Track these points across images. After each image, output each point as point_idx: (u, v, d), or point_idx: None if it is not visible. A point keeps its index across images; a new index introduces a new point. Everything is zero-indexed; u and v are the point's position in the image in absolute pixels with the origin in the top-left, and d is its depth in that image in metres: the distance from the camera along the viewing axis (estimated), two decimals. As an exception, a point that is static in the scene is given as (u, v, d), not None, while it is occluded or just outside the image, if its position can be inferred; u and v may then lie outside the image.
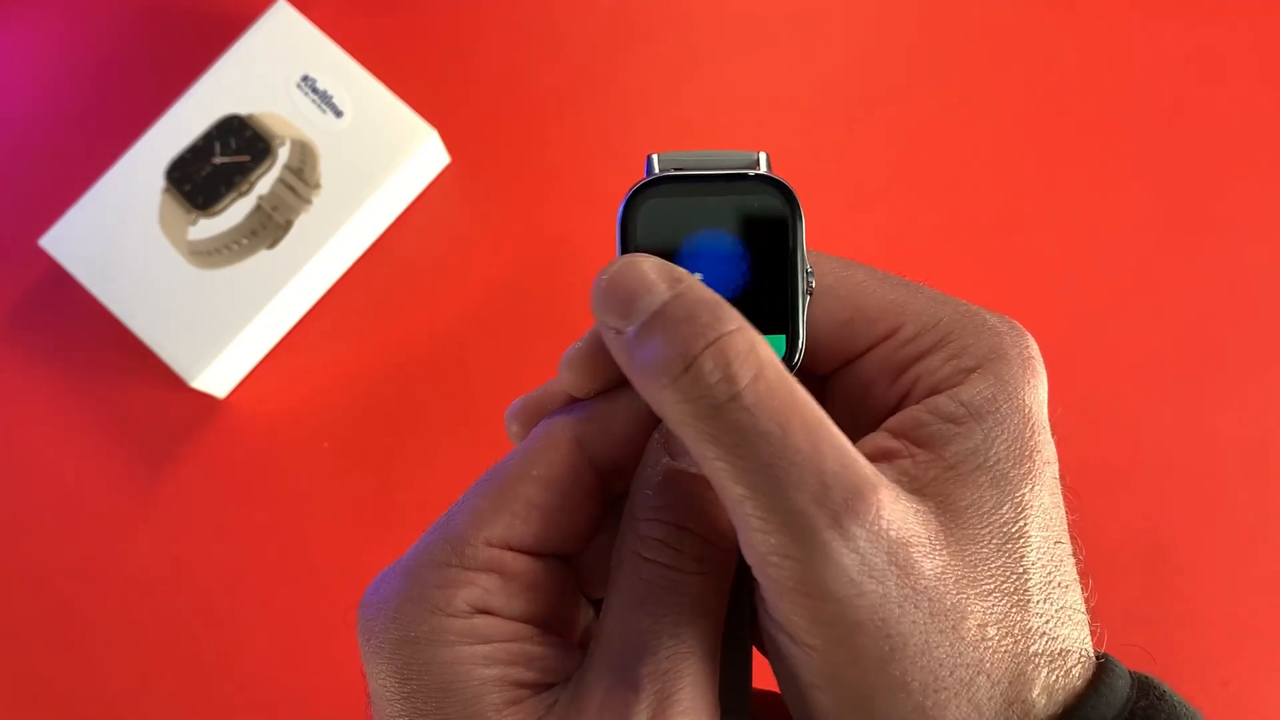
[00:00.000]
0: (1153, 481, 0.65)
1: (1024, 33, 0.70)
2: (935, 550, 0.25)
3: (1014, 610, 0.25)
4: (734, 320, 0.25)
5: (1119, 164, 0.68)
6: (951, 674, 0.24)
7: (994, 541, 0.25)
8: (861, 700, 0.24)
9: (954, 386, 0.27)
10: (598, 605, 0.28)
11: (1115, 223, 0.68)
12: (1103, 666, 0.26)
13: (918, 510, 0.25)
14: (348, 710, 0.61)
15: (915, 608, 0.24)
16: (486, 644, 0.26)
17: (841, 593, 0.23)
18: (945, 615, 0.24)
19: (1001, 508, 0.26)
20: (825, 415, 0.25)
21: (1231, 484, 0.64)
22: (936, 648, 0.24)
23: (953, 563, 0.25)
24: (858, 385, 0.29)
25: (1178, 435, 0.65)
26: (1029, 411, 0.27)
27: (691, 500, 0.27)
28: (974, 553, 0.25)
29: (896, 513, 0.24)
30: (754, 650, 0.29)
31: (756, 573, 0.25)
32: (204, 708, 0.64)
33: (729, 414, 0.24)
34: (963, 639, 0.24)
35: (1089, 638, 0.27)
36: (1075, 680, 0.26)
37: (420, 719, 0.26)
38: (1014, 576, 0.25)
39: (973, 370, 0.27)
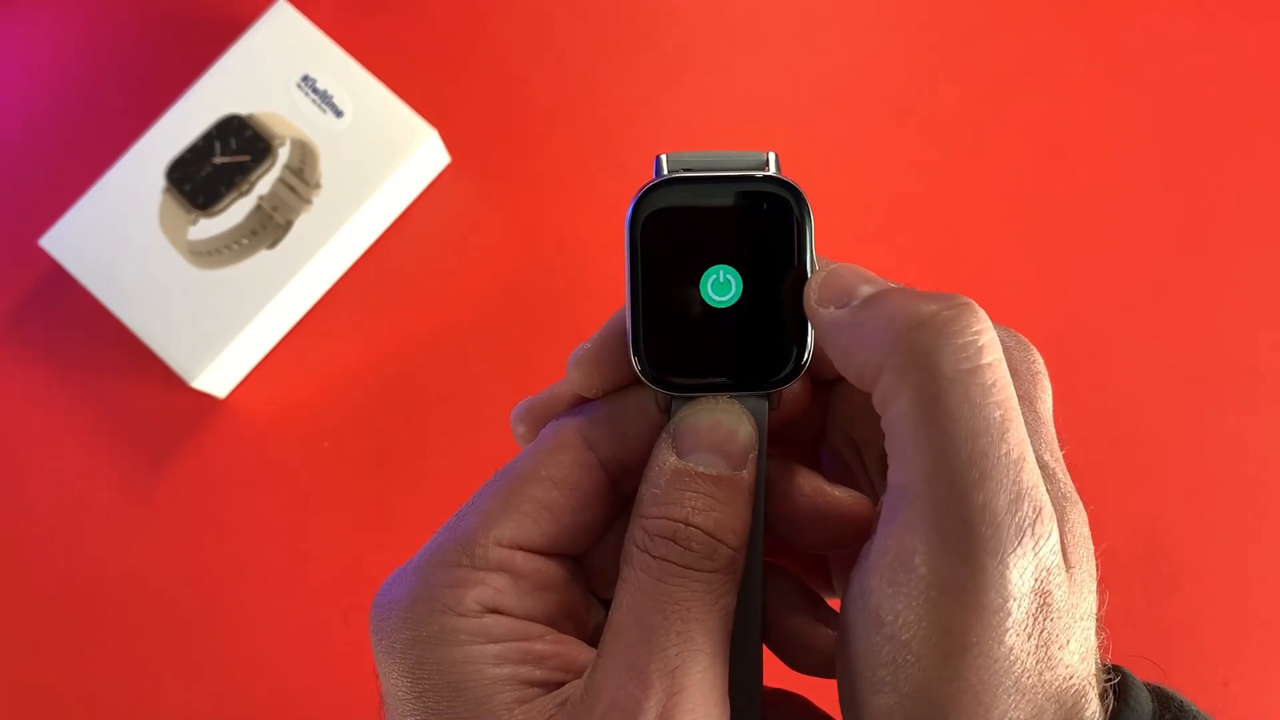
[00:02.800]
0: (1153, 482, 0.65)
1: (1027, 34, 0.70)
2: (1063, 578, 0.24)
3: (1090, 632, 0.25)
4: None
5: (1119, 166, 0.69)
6: (1030, 704, 0.24)
7: (1084, 562, 0.25)
8: (930, 715, 0.24)
9: None
10: (607, 604, 0.28)
11: (1115, 224, 0.68)
12: (1123, 681, 0.26)
13: (1058, 536, 0.24)
14: (347, 710, 0.61)
15: (1030, 637, 0.23)
16: (497, 643, 0.26)
17: (989, 608, 0.23)
18: (1049, 644, 0.24)
19: (1076, 525, 0.26)
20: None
21: (1232, 484, 0.65)
22: (1027, 676, 0.24)
23: (1071, 590, 0.24)
24: (863, 393, 0.29)
25: (1177, 435, 0.65)
26: (1049, 426, 0.27)
27: (699, 498, 0.27)
28: (1077, 576, 0.25)
29: (1055, 539, 0.24)
30: (764, 648, 0.29)
31: (893, 562, 0.24)
32: (203, 707, 0.64)
33: (966, 381, 0.24)
34: (1053, 669, 0.24)
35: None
36: (1106, 697, 0.26)
37: (432, 718, 0.26)
38: (1091, 597, 0.25)
39: None
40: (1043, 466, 0.26)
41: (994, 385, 0.24)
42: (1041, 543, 0.23)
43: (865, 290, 0.26)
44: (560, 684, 0.26)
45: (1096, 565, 0.26)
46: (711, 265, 0.28)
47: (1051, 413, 0.28)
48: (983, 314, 0.25)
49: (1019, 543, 0.23)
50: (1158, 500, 0.65)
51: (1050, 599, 0.24)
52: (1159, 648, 0.62)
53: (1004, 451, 0.23)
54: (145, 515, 0.65)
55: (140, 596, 0.64)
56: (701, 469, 0.27)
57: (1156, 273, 0.67)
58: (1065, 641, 0.24)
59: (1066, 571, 0.24)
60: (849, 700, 0.26)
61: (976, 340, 0.24)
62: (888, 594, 0.24)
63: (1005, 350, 0.28)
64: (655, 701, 0.25)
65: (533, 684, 0.26)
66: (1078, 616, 0.24)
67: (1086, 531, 0.26)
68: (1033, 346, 0.29)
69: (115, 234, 0.64)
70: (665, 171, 0.28)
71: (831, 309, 0.27)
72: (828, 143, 0.69)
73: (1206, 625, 0.63)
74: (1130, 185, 0.68)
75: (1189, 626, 0.63)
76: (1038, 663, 0.24)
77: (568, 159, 0.69)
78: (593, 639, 0.29)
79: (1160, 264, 0.67)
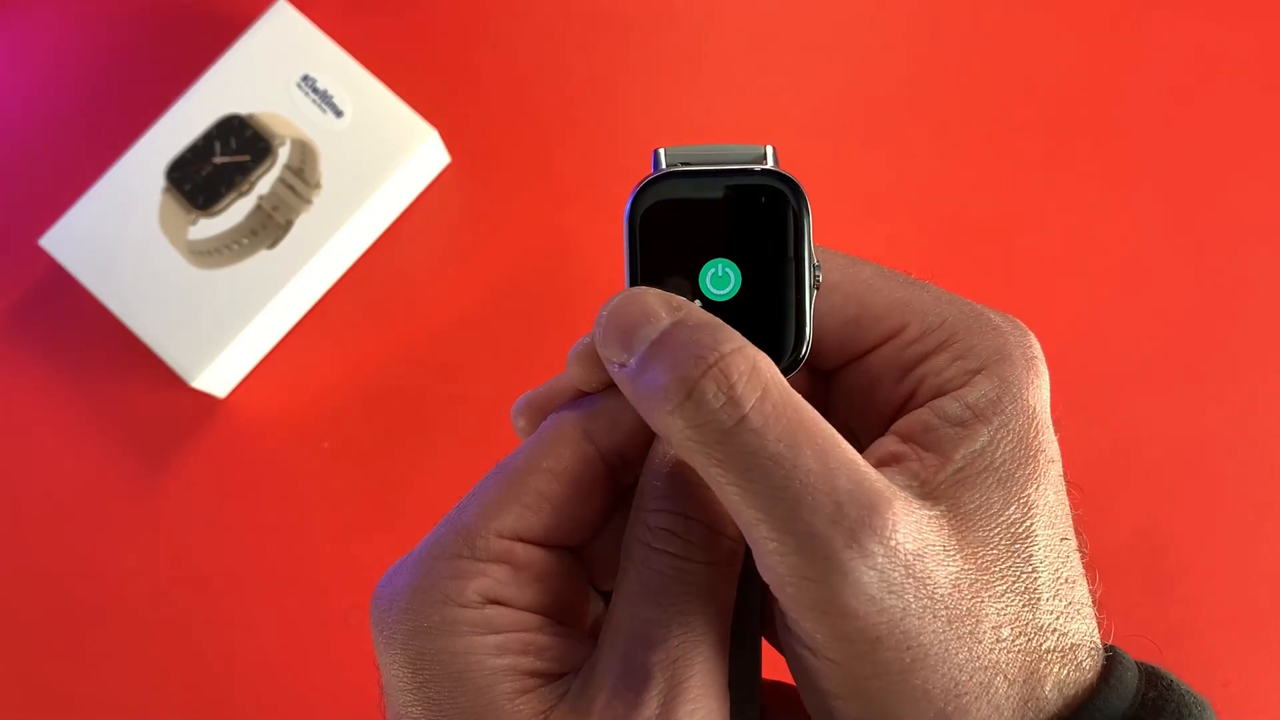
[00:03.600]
0: (1153, 480, 0.65)
1: (1027, 35, 0.70)
2: (949, 557, 0.25)
3: (1025, 609, 0.25)
4: (734, 340, 0.25)
5: (1119, 165, 0.69)
6: (971, 678, 0.24)
7: (1003, 542, 0.26)
8: (885, 709, 0.25)
9: (959, 388, 0.27)
10: (607, 596, 0.28)
11: (1115, 222, 0.68)
12: (1111, 659, 0.27)
13: (930, 517, 0.25)
14: (348, 709, 0.61)
15: (934, 617, 0.24)
16: (498, 634, 0.26)
17: (862, 609, 0.24)
18: (962, 621, 0.24)
19: (1009, 508, 0.26)
20: (833, 430, 0.25)
21: (1231, 483, 0.65)
22: (955, 654, 0.24)
23: (966, 567, 0.25)
24: (862, 382, 0.30)
25: (1177, 434, 0.65)
26: (1033, 412, 0.27)
27: (699, 491, 0.27)
28: (984, 555, 0.25)
29: (910, 524, 0.24)
30: (763, 640, 0.29)
31: (776, 592, 0.25)
32: (204, 707, 0.64)
33: (736, 438, 0.24)
34: (979, 642, 0.24)
35: (1097, 631, 0.27)
36: (1086, 674, 0.26)
37: (433, 708, 0.26)
38: (1024, 576, 0.26)
39: (977, 371, 0.27)
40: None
41: (764, 426, 0.24)
42: (890, 533, 0.24)
43: (642, 337, 0.26)
44: (561, 675, 0.26)
45: (1054, 546, 0.26)
46: (710, 259, 0.28)
47: (1048, 399, 0.28)
48: (744, 356, 0.25)
49: (858, 546, 0.23)
50: (1158, 500, 0.65)
51: (932, 578, 0.24)
52: (1159, 648, 0.62)
53: (800, 479, 0.24)
54: (145, 515, 0.65)
55: (140, 596, 0.64)
56: None
57: (1157, 269, 0.67)
58: (980, 617, 0.24)
59: (962, 553, 0.25)
60: (811, 706, 0.27)
61: (732, 393, 0.24)
62: (795, 613, 0.25)
63: (1002, 336, 0.28)
64: (656, 693, 0.25)
65: (533, 675, 0.26)
66: (989, 596, 0.25)
67: (1012, 512, 0.26)
68: (1029, 332, 0.29)
69: (115, 234, 0.64)
70: (664, 165, 0.28)
71: (615, 367, 0.27)
72: (826, 139, 0.69)
73: (1206, 625, 0.63)
74: (1131, 184, 0.68)
75: (1189, 626, 0.63)
76: (959, 639, 0.24)
77: (568, 158, 0.69)
78: (593, 631, 0.29)
79: (1161, 261, 0.67)
